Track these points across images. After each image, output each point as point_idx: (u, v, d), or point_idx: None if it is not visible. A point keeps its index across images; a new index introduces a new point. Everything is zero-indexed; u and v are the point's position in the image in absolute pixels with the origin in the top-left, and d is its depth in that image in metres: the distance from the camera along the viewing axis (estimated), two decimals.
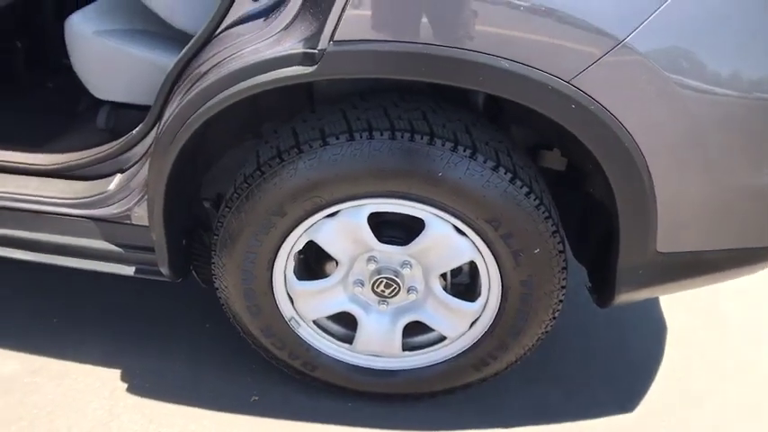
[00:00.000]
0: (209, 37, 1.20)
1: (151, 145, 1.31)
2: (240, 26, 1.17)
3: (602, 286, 1.32)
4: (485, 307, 1.32)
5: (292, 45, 1.05)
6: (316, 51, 1.02)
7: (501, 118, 1.33)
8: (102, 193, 1.36)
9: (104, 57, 1.41)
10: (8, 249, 1.46)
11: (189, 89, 1.16)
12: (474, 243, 1.22)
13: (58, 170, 1.43)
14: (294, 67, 1.05)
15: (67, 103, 1.79)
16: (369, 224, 1.22)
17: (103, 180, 1.40)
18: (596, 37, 1.00)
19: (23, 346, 1.63)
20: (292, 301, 1.36)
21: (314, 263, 1.41)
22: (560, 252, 1.24)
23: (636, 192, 1.11)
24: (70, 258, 1.44)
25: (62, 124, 1.67)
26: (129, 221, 1.36)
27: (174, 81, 1.24)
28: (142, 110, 1.46)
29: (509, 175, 1.14)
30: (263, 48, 1.08)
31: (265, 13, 1.15)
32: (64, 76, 2.04)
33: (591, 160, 1.11)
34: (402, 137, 1.12)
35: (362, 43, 1.01)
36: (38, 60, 2.04)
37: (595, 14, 1.00)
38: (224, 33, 1.18)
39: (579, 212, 1.42)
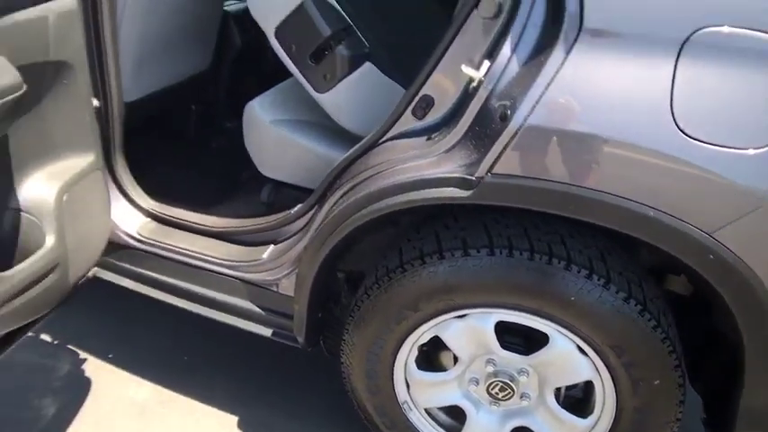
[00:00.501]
0: (372, 144, 1.35)
1: (305, 226, 1.48)
2: (403, 140, 1.31)
3: (720, 422, 1.31)
4: (595, 425, 1.35)
5: (452, 169, 1.18)
6: (473, 179, 1.14)
7: (633, 241, 1.38)
8: (256, 261, 1.54)
9: (276, 143, 1.61)
10: (167, 295, 1.67)
11: (348, 191, 1.32)
12: (595, 365, 1.27)
13: (220, 233, 1.63)
14: (451, 189, 1.17)
15: (229, 164, 2.04)
16: (494, 329, 1.30)
17: (258, 248, 1.58)
18: (742, 194, 1.05)
19: (158, 377, 1.83)
20: (408, 387, 1.45)
21: (433, 352, 1.50)
22: (680, 386, 1.25)
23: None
24: (218, 312, 1.62)
25: (226, 189, 1.90)
26: (275, 289, 1.53)
27: (336, 176, 1.40)
28: (300, 190, 1.65)
29: (639, 307, 1.19)
30: (423, 166, 1.21)
31: (428, 131, 1.29)
32: (226, 137, 2.33)
33: (720, 298, 1.14)
34: (540, 258, 1.20)
35: (518, 178, 1.11)
36: (206, 122, 2.34)
37: (741, 174, 1.05)
38: (387, 144, 1.33)
39: (701, 337, 1.42)
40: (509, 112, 1.10)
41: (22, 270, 1.20)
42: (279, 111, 1.64)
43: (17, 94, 1.06)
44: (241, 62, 2.32)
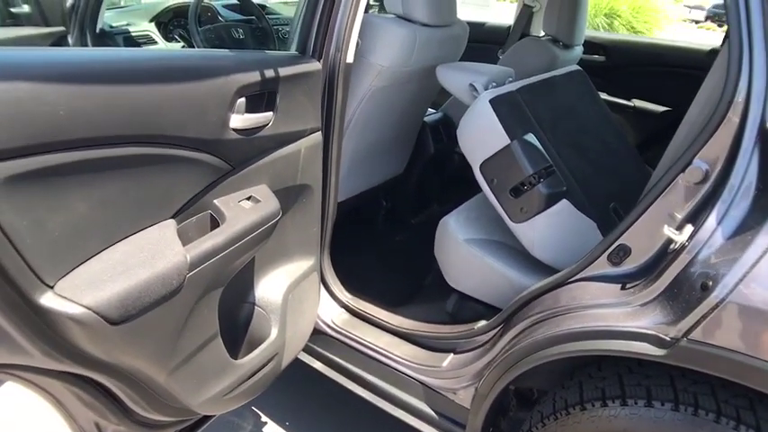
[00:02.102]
0: (564, 281, 1.44)
1: (487, 342, 1.58)
2: (596, 283, 1.38)
3: None
4: None
5: (646, 325, 1.22)
6: (668, 339, 1.18)
7: None
8: (437, 367, 1.66)
9: (467, 260, 1.75)
10: (350, 381, 1.84)
11: (536, 323, 1.40)
12: None
13: (405, 333, 1.78)
14: (644, 345, 1.21)
15: (414, 262, 2.22)
16: None
17: (439, 354, 1.70)
18: None
19: None
20: None
21: None
22: None
23: None
24: (392, 406, 1.76)
25: (412, 290, 2.08)
26: (452, 397, 1.63)
27: (524, 304, 1.49)
28: (483, 305, 1.76)
29: None
30: (616, 316, 1.27)
31: (623, 279, 1.35)
32: (411, 233, 2.54)
33: None
34: (727, 423, 1.19)
35: (716, 348, 1.13)
36: (394, 217, 2.57)
37: None
38: (580, 283, 1.40)
39: None
40: (711, 283, 1.13)
41: (251, 359, 1.43)
42: (472, 229, 1.79)
43: (277, 219, 1.30)
44: (431, 166, 2.54)
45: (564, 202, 1.60)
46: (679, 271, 1.22)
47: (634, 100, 3.01)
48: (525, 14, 3.09)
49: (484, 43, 3.27)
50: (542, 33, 3.12)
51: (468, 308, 1.80)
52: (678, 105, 3.01)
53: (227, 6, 2.95)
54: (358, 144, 2.03)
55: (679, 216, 1.29)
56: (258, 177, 1.31)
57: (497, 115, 1.57)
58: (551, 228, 1.61)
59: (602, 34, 3.12)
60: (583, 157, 1.81)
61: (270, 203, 1.31)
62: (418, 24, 1.84)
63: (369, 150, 2.12)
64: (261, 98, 1.28)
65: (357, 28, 1.55)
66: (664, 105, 2.95)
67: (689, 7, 19.69)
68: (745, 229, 1.15)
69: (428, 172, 2.57)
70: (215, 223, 1.20)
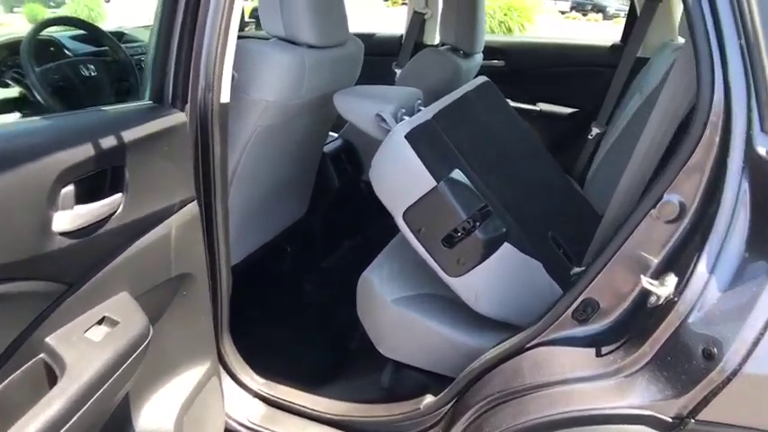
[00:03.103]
0: (523, 346, 1.18)
1: (438, 423, 1.30)
2: (564, 348, 1.14)
3: None
4: None
5: (640, 403, 0.98)
6: (670, 420, 0.95)
7: None
8: None
9: (399, 324, 1.46)
10: None
11: (494, 404, 1.14)
12: None
13: (334, 421, 1.46)
14: (642, 428, 0.97)
15: (332, 322, 1.90)
16: None
17: None
18: None
19: None
20: None
21: None
22: None
23: None
24: None
25: (336, 358, 1.75)
26: None
27: (479, 376, 1.23)
28: (425, 373, 1.47)
29: None
30: (599, 394, 1.03)
31: (595, 342, 1.11)
32: (322, 278, 2.22)
33: None
34: None
35: (734, 429, 0.91)
36: (301, 263, 2.23)
37: None
38: (544, 349, 1.15)
39: None
40: (715, 350, 0.91)
41: None
42: (399, 285, 1.50)
43: (147, 341, 0.94)
44: (336, 201, 2.23)
45: (506, 246, 1.34)
46: (670, 334, 0.99)
47: (539, 104, 2.86)
48: (417, 22, 2.86)
49: (375, 56, 3.00)
50: (437, 41, 2.91)
51: (407, 379, 1.50)
52: (585, 105, 2.93)
53: (74, 38, 2.47)
54: (248, 196, 1.69)
55: (654, 260, 1.06)
56: (112, 286, 0.94)
57: (417, 153, 1.29)
58: (495, 277, 1.35)
59: (499, 38, 2.97)
60: (511, 182, 1.58)
61: (133, 322, 0.94)
62: (305, 47, 1.53)
63: (262, 199, 1.77)
64: (101, 177, 0.91)
65: (230, 58, 1.21)
66: (570, 107, 2.81)
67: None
68: (745, 279, 0.93)
69: (334, 207, 2.26)
70: (53, 373, 0.82)
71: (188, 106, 1.14)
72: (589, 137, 2.64)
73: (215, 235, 1.28)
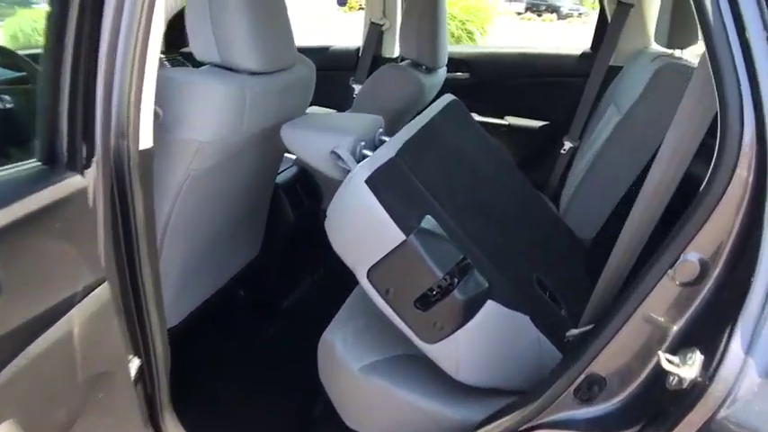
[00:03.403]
0: (516, 429, 0.99)
1: None
2: None
3: None
4: None
5: None
6: None
7: None
8: None
9: (368, 395, 1.25)
10: None
11: None
12: None
13: None
14: None
15: (293, 375, 1.68)
16: None
17: None
18: None
19: None
20: None
21: None
22: None
23: None
24: None
25: (298, 428, 1.53)
26: None
27: None
28: None
29: None
30: None
31: (603, 426, 0.92)
32: (280, 323, 1.99)
33: None
34: None
35: None
36: (257, 307, 2.01)
37: None
38: None
39: None
40: None
41: None
42: (366, 349, 1.29)
43: None
44: (293, 236, 2.01)
45: (489, 303, 1.15)
46: (699, 428, 0.81)
47: (507, 117, 2.70)
48: (374, 34, 2.66)
49: (331, 71, 2.79)
50: (396, 54, 2.72)
51: None
52: (556, 117, 2.77)
53: None
54: (186, 249, 1.46)
55: (671, 328, 0.89)
56: None
57: (381, 202, 1.08)
58: (477, 341, 1.15)
59: (463, 48, 2.79)
60: (488, 220, 1.39)
61: None
62: (245, 74, 1.31)
63: (205, 249, 1.55)
64: None
65: (150, 92, 0.99)
66: (540, 119, 2.65)
67: (509, 0, 20.81)
68: None
69: (291, 243, 2.04)
70: None
71: (94, 162, 0.90)
72: (562, 151, 2.48)
73: (144, 309, 1.06)
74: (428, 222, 1.13)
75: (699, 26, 0.84)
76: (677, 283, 0.87)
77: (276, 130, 1.36)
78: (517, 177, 1.82)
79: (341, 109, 2.77)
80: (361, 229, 1.11)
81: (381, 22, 2.63)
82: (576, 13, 21.85)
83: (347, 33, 3.71)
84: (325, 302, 1.48)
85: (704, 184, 0.85)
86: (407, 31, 2.12)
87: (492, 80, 2.66)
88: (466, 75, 2.69)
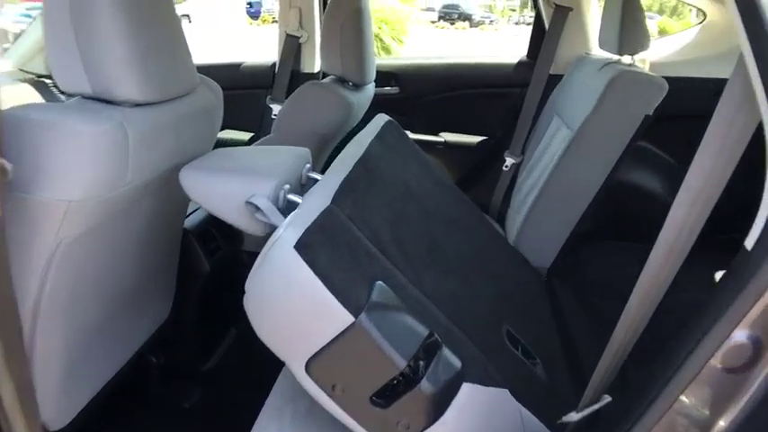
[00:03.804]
0: None
1: None
2: None
3: None
4: None
5: None
6: None
7: None
8: None
9: None
10: None
11: None
12: None
13: None
14: None
15: None
16: None
17: None
18: None
19: None
20: None
21: None
22: None
23: None
24: None
25: None
26: None
27: None
28: None
29: None
30: None
31: None
32: (202, 390, 1.69)
33: None
34: None
35: None
36: (172, 373, 1.68)
37: None
38: None
39: None
40: None
41: None
42: None
43: None
44: (211, 287, 1.70)
45: (464, 387, 0.90)
46: None
47: (442, 134, 2.48)
48: (291, 47, 2.38)
49: (246, 89, 2.50)
50: (317, 68, 2.46)
51: None
52: (494, 132, 2.59)
53: None
54: (71, 331, 1.13)
55: (720, 424, 0.67)
56: None
57: (319, 273, 0.81)
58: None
59: (391, 60, 2.56)
60: (446, 269, 1.15)
61: None
62: (127, 106, 1.01)
63: (98, 326, 1.22)
64: None
65: None
66: (478, 134, 2.46)
67: (423, 10, 21.04)
68: None
69: (209, 295, 1.73)
70: None
71: None
72: (504, 168, 2.30)
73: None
74: (380, 292, 0.87)
75: (742, 30, 0.62)
76: (723, 368, 0.66)
77: (175, 172, 1.06)
78: (464, 205, 1.60)
79: (259, 131, 2.47)
80: (294, 310, 0.83)
81: (298, 35, 2.36)
82: (487, 21, 22.44)
83: (262, 48, 3.40)
84: (254, 360, 1.20)
85: (754, 239, 0.64)
86: (329, 44, 1.87)
87: (424, 94, 2.44)
88: (395, 89, 2.46)
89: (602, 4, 2.54)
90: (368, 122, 1.86)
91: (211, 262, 1.67)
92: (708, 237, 0.80)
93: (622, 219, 2.14)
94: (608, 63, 1.77)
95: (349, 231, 0.91)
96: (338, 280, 0.83)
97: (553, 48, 2.16)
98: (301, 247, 0.81)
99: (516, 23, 23.17)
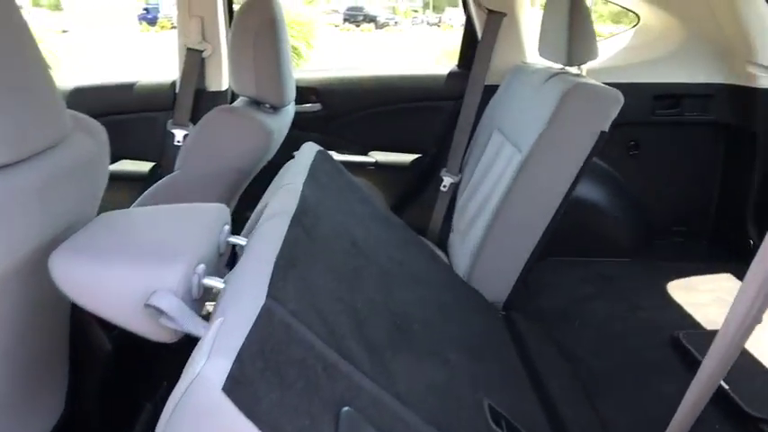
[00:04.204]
0: None
1: None
2: None
3: None
4: None
5: None
6: None
7: None
8: None
9: None
10: None
11: None
12: None
13: None
14: None
15: None
16: None
17: None
18: None
19: None
20: None
21: None
22: None
23: None
24: None
25: None
26: None
27: None
28: None
29: None
30: None
31: None
32: None
33: None
34: None
35: None
36: None
37: None
38: None
39: None
40: None
41: None
42: None
43: None
44: (114, 368, 1.38)
45: None
46: None
47: (373, 153, 2.26)
48: (193, 63, 2.06)
49: (142, 113, 2.16)
50: (225, 86, 2.16)
51: None
52: (428, 149, 2.39)
53: None
54: None
55: None
56: None
57: (263, 424, 0.55)
58: None
59: (311, 73, 2.29)
60: (418, 349, 0.93)
61: None
62: None
63: None
64: None
65: None
66: (411, 152, 2.25)
67: (326, 13, 20.80)
68: None
69: (113, 377, 1.41)
70: None
71: None
72: (441, 188, 2.10)
73: None
74: (349, 424, 0.62)
75: None
76: None
77: (46, 253, 0.77)
78: (414, 247, 1.39)
79: (160, 160, 2.14)
80: None
81: (201, 48, 2.05)
82: (392, 23, 22.52)
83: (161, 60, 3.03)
84: None
85: None
86: (240, 61, 1.58)
87: (350, 110, 2.20)
88: (317, 106, 2.20)
89: (536, 7, 2.40)
90: (287, 148, 1.60)
91: (113, 337, 1.35)
92: None
93: (566, 233, 2.02)
94: (556, 74, 1.60)
95: (297, 339, 0.66)
96: (290, 420, 0.57)
97: (487, 56, 1.98)
98: (234, 386, 0.55)
99: (420, 24, 23.45)
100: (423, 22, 23.81)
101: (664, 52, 2.11)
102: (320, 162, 1.28)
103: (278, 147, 1.75)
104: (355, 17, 21.45)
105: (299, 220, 0.91)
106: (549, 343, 1.68)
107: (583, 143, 1.48)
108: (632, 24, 2.21)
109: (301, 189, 1.04)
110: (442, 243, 2.05)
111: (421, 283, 1.24)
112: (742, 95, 2.07)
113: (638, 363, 1.60)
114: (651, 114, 2.16)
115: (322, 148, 1.37)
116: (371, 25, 21.34)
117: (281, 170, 1.33)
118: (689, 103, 2.16)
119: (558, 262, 2.08)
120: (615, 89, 1.46)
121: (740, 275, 2.30)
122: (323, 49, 10.78)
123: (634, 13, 2.18)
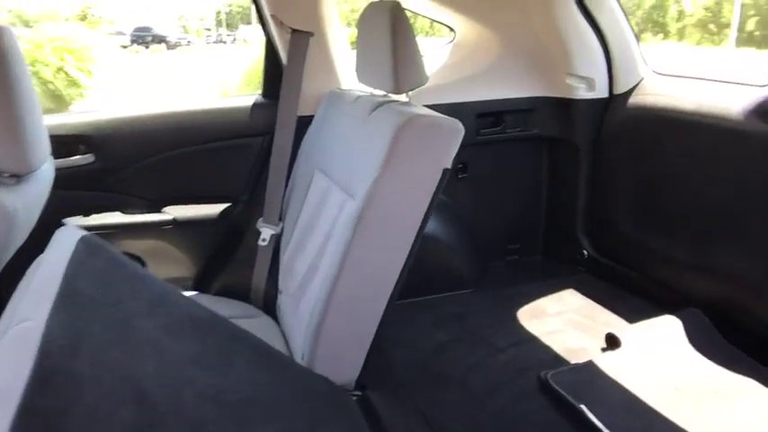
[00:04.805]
0: None
1: None
2: None
3: None
4: None
5: None
6: None
7: None
8: None
9: None
10: None
11: None
12: None
13: None
14: None
15: None
16: None
17: None
18: None
19: None
20: None
21: None
22: None
23: None
24: None
25: None
26: None
27: None
28: None
29: None
30: None
31: None
32: None
33: None
34: None
35: None
36: None
37: None
38: None
39: None
40: None
41: None
42: None
43: None
44: None
45: None
46: None
47: (168, 209, 1.83)
48: None
49: None
50: None
51: None
52: (238, 196, 2.01)
53: None
54: None
55: None
56: None
57: None
58: None
59: (76, 117, 1.79)
60: None
61: None
62: None
63: None
64: None
65: None
66: (219, 202, 1.87)
67: (111, 34, 19.12)
68: None
69: None
70: None
71: None
72: (260, 242, 1.75)
73: None
74: None
75: None
76: None
77: None
78: (236, 349, 1.04)
79: None
80: None
81: None
82: (184, 42, 21.38)
83: None
84: None
85: None
86: None
87: (132, 158, 1.75)
88: (87, 158, 1.72)
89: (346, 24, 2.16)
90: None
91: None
92: None
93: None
94: (382, 103, 1.35)
95: None
96: None
97: (297, 83, 1.68)
98: None
99: (215, 42, 22.62)
100: (217, 40, 22.97)
101: (483, 67, 1.99)
102: (83, 260, 0.88)
103: (31, 227, 1.27)
104: (143, 38, 19.97)
105: (41, 392, 0.52)
106: (414, 418, 1.43)
107: (425, 184, 1.25)
108: (450, 39, 2.07)
109: (43, 330, 0.65)
110: (269, 307, 1.71)
111: (249, 410, 0.89)
112: (563, 107, 2.02)
113: (512, 421, 1.42)
114: (476, 134, 2.04)
115: (86, 234, 0.97)
116: (162, 46, 20.03)
117: (22, 281, 0.90)
118: (511, 119, 2.07)
119: (402, 306, 1.85)
120: (454, 119, 1.24)
121: (579, 288, 2.23)
122: (105, 77, 9.71)
123: (449, 27, 2.03)
